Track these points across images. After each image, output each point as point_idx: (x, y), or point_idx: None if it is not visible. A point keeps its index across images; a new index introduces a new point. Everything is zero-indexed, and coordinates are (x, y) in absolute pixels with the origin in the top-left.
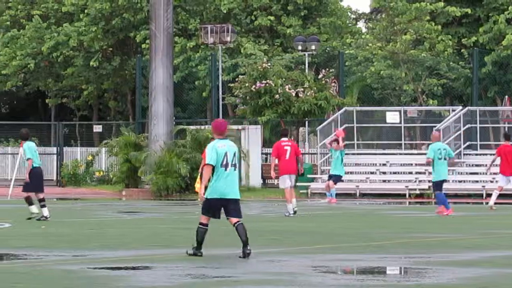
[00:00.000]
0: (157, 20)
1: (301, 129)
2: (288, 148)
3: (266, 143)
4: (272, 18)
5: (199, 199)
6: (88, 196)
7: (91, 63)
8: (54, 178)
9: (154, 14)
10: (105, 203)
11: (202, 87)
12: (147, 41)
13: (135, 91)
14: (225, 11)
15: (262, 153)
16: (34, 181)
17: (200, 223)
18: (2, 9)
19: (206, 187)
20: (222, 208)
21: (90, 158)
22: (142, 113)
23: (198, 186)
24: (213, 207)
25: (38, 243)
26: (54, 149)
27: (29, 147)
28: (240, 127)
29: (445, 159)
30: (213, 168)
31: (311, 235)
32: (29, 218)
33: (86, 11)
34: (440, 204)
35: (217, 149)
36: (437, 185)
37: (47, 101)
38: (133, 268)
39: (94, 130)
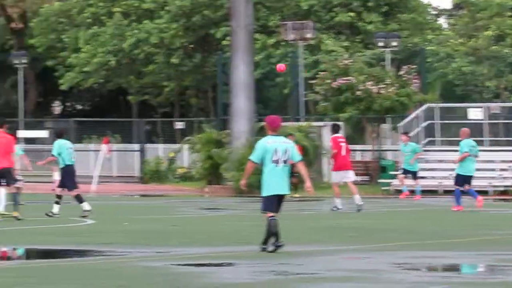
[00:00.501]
0: (237, 17)
1: (382, 125)
2: (343, 144)
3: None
4: (352, 14)
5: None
6: (171, 192)
7: (172, 60)
8: (137, 175)
9: (234, 11)
10: (187, 200)
11: (283, 84)
12: (228, 38)
13: (216, 88)
14: (305, 8)
15: None
16: (69, 178)
17: (269, 217)
18: (83, 7)
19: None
20: None
21: (172, 155)
22: (224, 110)
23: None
24: (272, 203)
25: (121, 239)
26: (136, 146)
27: (59, 145)
28: (321, 124)
29: (474, 156)
30: (261, 165)
31: (392, 232)
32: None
33: (166, 8)
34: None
35: (266, 145)
36: (461, 179)
37: (128, 98)
38: (216, 265)
39: (176, 127)
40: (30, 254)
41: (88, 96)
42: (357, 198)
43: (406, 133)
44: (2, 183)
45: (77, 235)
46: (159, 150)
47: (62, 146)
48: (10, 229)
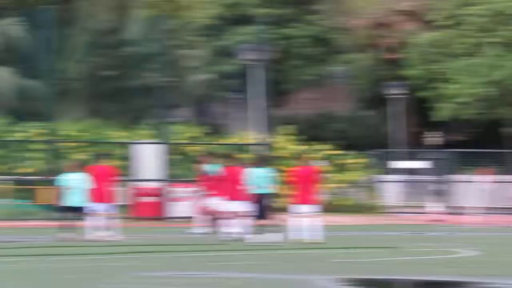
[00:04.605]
0: None
1: None
2: None
3: None
4: None
5: None
6: None
7: None
8: None
9: None
10: None
11: None
12: None
13: None
14: None
15: None
16: (258, 207)
17: None
18: (460, 36)
19: None
20: None
21: None
22: None
23: None
24: None
25: (506, 271)
26: None
27: (251, 174)
28: None
29: None
30: None
31: None
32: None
33: None
34: None
35: None
36: None
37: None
38: None
39: None
40: (410, 285)
41: (465, 127)
42: None
43: None
44: None
45: (459, 266)
46: None
47: (253, 175)
48: (387, 259)
